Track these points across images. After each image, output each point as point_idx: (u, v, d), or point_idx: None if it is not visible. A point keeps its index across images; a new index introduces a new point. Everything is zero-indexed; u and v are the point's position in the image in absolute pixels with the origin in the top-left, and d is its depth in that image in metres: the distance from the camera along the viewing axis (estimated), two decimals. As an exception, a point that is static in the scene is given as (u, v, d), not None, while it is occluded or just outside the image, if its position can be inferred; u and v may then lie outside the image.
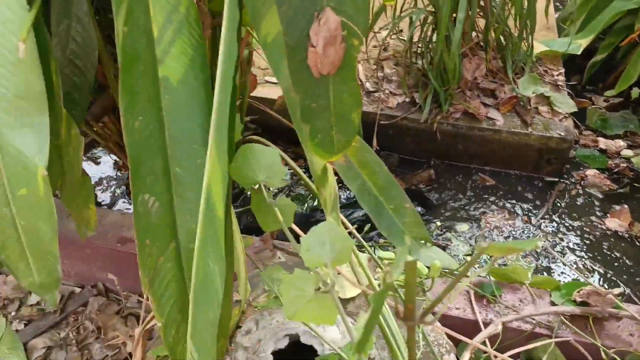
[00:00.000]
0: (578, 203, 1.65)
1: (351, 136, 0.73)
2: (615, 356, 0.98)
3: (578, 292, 1.10)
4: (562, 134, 1.60)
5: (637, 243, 1.53)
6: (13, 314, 1.36)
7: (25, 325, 1.33)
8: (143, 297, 1.36)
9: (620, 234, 1.55)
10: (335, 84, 0.67)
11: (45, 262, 0.77)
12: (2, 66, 0.67)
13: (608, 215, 1.62)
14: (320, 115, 0.69)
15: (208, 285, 0.67)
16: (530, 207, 1.63)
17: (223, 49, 0.62)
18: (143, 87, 0.68)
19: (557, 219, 1.60)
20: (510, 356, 0.99)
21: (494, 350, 0.97)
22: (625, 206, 1.62)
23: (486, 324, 1.07)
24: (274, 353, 0.84)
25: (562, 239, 1.55)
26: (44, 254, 0.77)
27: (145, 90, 0.68)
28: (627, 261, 1.48)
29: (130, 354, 1.23)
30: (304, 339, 0.86)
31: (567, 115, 1.66)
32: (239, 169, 0.74)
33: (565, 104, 1.69)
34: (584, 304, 1.08)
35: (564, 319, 1.05)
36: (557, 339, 1.01)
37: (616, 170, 1.74)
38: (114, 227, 1.32)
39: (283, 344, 0.86)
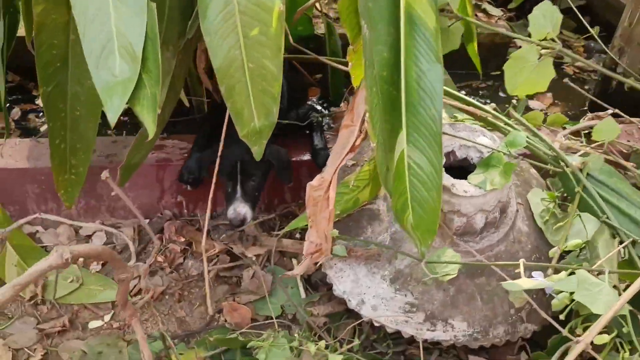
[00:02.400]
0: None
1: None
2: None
3: (583, 119, 1.44)
4: (503, 31, 1.95)
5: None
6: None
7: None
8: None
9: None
10: None
11: (265, 104, 0.85)
12: None
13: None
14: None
15: (422, 86, 0.80)
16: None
17: None
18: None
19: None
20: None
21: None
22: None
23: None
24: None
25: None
26: (265, 95, 0.84)
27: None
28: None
29: (242, 255, 1.26)
30: (459, 153, 1.03)
31: (499, 18, 2.03)
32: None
33: (494, 10, 2.05)
34: (591, 125, 1.41)
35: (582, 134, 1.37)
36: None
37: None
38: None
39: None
